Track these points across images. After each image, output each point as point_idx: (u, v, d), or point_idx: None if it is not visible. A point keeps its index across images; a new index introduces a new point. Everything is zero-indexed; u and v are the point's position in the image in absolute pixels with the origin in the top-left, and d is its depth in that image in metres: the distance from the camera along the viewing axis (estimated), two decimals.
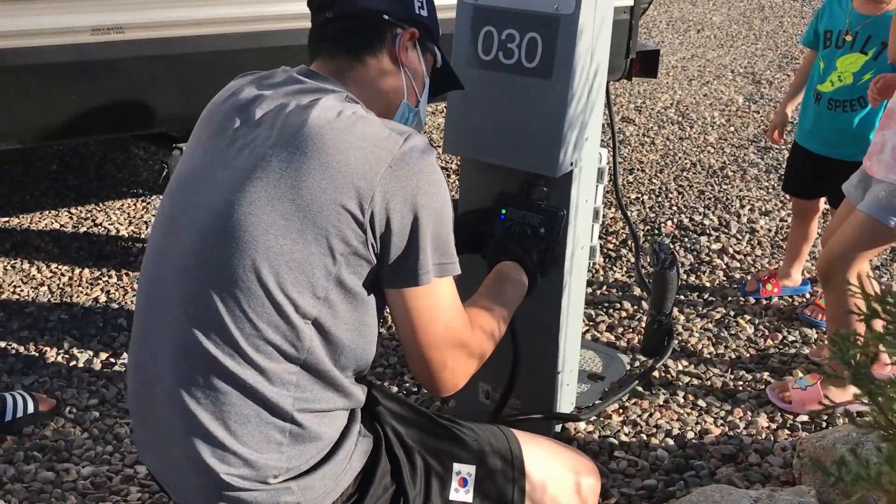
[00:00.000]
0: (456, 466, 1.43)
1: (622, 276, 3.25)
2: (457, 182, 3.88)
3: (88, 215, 3.80)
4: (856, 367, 0.86)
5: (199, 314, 1.24)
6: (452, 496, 1.41)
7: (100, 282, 3.20)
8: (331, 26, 1.43)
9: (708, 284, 3.19)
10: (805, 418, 2.37)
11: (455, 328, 1.34)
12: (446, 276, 1.32)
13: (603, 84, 1.96)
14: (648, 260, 3.03)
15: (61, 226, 3.69)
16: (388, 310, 1.35)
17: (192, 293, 1.25)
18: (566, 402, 2.24)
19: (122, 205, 3.92)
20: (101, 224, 3.71)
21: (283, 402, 1.24)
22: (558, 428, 2.27)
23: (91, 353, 2.74)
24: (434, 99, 1.70)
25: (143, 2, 2.49)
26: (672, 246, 3.49)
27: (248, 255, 1.22)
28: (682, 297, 3.07)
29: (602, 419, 2.35)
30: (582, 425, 2.31)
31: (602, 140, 2.08)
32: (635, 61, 3.44)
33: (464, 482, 1.42)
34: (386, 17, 1.43)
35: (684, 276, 3.24)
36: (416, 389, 2.51)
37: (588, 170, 2.01)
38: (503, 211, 1.97)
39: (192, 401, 1.24)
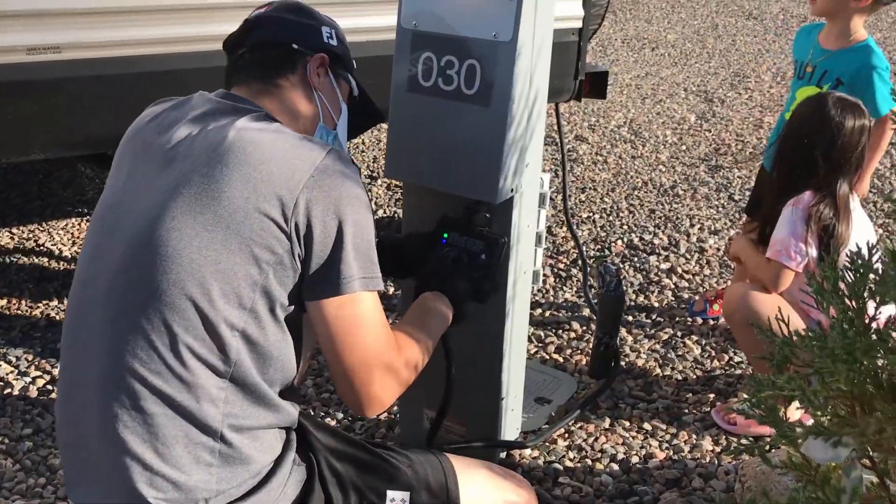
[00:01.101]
0: (390, 493, 1.43)
1: (572, 296, 3.25)
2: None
3: (30, 235, 3.71)
4: (768, 412, 0.85)
5: (125, 333, 1.23)
6: None
7: (40, 304, 3.12)
8: (243, 59, 1.48)
9: (656, 304, 3.20)
10: (748, 440, 2.38)
11: (380, 345, 1.33)
12: (370, 291, 1.32)
13: (543, 110, 1.96)
14: (595, 282, 3.04)
15: (2, 246, 3.59)
16: None
17: (118, 313, 1.24)
18: (511, 427, 2.22)
19: (67, 224, 3.83)
20: (43, 244, 3.63)
21: (212, 419, 1.23)
22: (503, 454, 2.26)
23: (27, 379, 2.66)
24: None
25: (80, 21, 2.44)
26: (621, 266, 3.51)
27: (173, 269, 1.22)
28: (630, 318, 3.08)
29: (547, 444, 2.34)
30: (527, 451, 2.30)
31: (553, 160, 2.08)
32: (584, 82, 3.45)
33: None
34: (295, 46, 1.49)
35: (633, 296, 3.25)
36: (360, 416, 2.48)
37: (529, 195, 2.00)
38: (445, 235, 1.96)
39: (119, 424, 1.22)
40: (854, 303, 0.87)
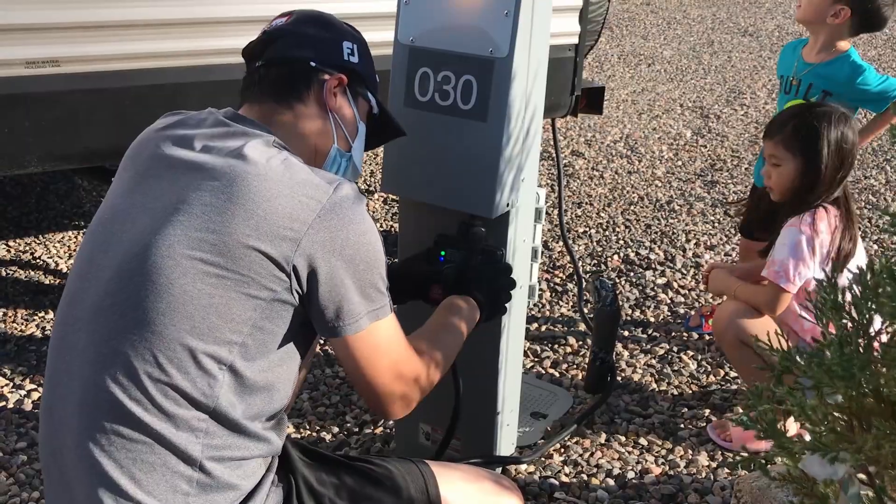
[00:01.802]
0: None
1: (568, 310, 3.25)
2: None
3: (27, 248, 3.71)
4: (767, 424, 0.85)
5: (108, 357, 1.21)
6: None
7: (35, 318, 3.11)
8: (259, 74, 1.44)
9: (652, 319, 3.20)
10: (744, 455, 2.38)
11: (400, 362, 1.37)
12: (382, 319, 1.32)
13: (539, 125, 1.97)
14: (590, 297, 3.05)
15: None
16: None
17: (103, 335, 1.22)
18: (507, 442, 2.22)
19: (63, 237, 3.83)
20: (39, 257, 3.62)
21: (192, 449, 1.21)
22: (499, 470, 2.25)
23: (23, 392, 2.65)
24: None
25: (79, 35, 2.45)
26: (617, 281, 3.51)
27: (164, 298, 1.19)
28: (626, 333, 3.08)
29: (543, 459, 2.33)
30: (523, 466, 2.29)
31: (549, 175, 2.09)
32: (581, 98, 3.47)
33: None
34: (313, 63, 1.44)
35: (629, 311, 3.26)
36: (356, 430, 2.47)
37: (525, 210, 2.01)
38: (442, 253, 1.96)
39: (96, 447, 1.20)
40: (857, 317, 0.87)
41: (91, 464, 1.20)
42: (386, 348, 1.34)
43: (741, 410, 2.57)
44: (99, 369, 1.20)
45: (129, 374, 1.19)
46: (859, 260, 2.33)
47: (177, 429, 1.20)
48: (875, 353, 0.86)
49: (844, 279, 1.00)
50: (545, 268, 3.62)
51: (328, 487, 1.41)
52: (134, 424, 1.19)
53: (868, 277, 0.86)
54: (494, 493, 1.55)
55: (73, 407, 1.23)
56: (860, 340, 0.85)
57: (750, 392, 0.88)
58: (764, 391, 0.89)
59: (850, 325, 0.87)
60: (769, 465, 1.10)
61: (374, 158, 4.96)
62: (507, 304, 1.85)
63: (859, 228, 2.45)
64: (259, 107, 1.42)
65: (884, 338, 0.90)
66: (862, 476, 0.86)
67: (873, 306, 0.85)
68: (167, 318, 1.19)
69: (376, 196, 4.43)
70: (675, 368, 2.85)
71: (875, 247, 3.96)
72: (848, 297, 0.87)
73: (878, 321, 0.94)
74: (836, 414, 0.85)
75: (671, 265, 3.68)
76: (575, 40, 3.34)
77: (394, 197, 4.34)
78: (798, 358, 0.86)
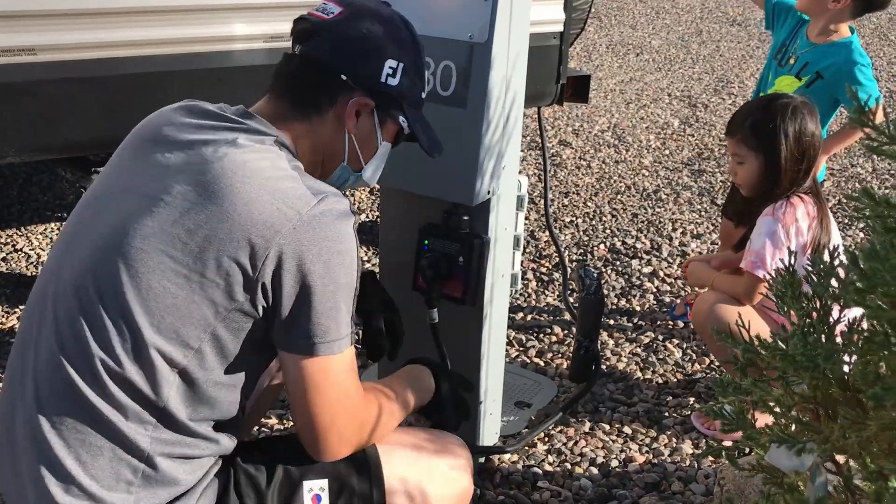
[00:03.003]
0: (307, 484, 1.37)
1: (554, 300, 3.24)
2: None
3: (9, 240, 3.67)
4: (732, 416, 0.84)
5: (71, 337, 1.20)
6: None
7: (17, 310, 3.08)
8: (291, 67, 1.39)
9: (638, 308, 3.20)
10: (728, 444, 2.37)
11: (348, 399, 1.31)
12: (335, 354, 1.27)
13: (520, 112, 1.95)
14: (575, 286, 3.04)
15: None
16: None
17: (70, 315, 1.21)
18: (490, 431, 2.21)
19: (45, 229, 3.80)
20: (21, 249, 3.59)
21: (140, 441, 1.20)
22: (482, 459, 2.24)
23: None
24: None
25: (55, 23, 2.42)
26: (603, 270, 3.50)
27: (131, 289, 1.19)
28: (611, 322, 3.07)
29: (527, 448, 2.32)
30: (507, 455, 2.28)
31: (536, 164, 2.08)
32: (566, 86, 3.45)
33: (317, 498, 1.37)
34: (343, 77, 1.36)
35: (615, 300, 3.25)
36: None
37: (507, 198, 1.99)
38: (426, 242, 1.96)
39: (46, 423, 1.19)
40: (818, 306, 0.86)
41: (39, 439, 1.19)
42: (336, 380, 1.28)
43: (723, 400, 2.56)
44: (61, 347, 1.20)
45: (86, 357, 1.18)
46: (836, 237, 2.34)
47: (126, 419, 1.19)
48: (837, 342, 0.85)
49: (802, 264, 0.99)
50: (531, 257, 3.60)
51: (266, 465, 1.38)
52: (86, 408, 1.18)
53: (823, 266, 0.85)
54: (438, 458, 1.49)
55: (30, 380, 1.22)
56: (823, 329, 0.84)
57: (715, 383, 0.87)
58: (729, 383, 0.88)
59: (813, 313, 0.86)
60: (751, 453, 1.10)
61: None
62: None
63: (835, 218, 2.44)
64: (276, 104, 1.37)
65: (842, 326, 0.89)
66: (829, 465, 0.85)
67: (833, 293, 0.84)
68: (131, 309, 1.18)
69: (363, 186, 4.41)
70: (661, 357, 2.84)
71: (861, 235, 3.96)
72: (806, 287, 0.86)
73: (836, 310, 0.93)
74: (802, 404, 0.84)
75: (657, 254, 3.67)
76: (559, 28, 3.32)
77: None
78: (762, 349, 0.85)
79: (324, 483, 1.38)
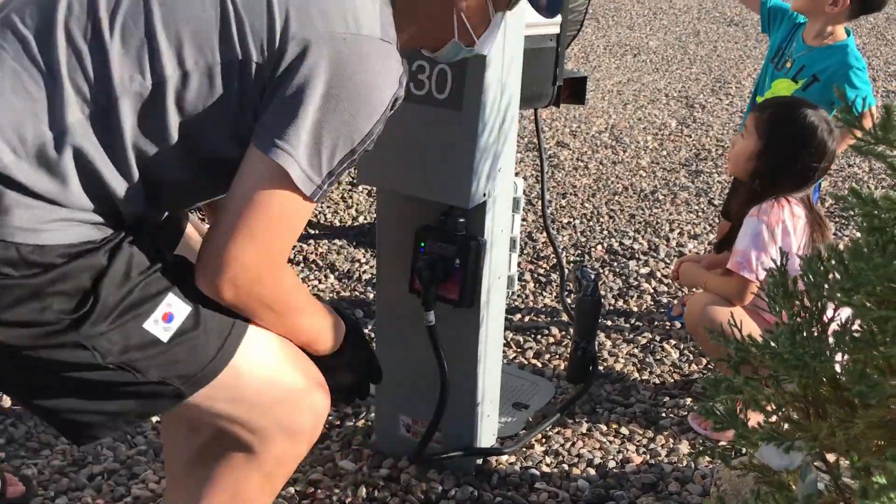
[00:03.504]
0: (170, 297, 1.24)
1: (552, 301, 3.25)
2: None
3: None
4: (723, 415, 0.85)
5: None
6: (148, 325, 1.22)
7: None
8: None
9: (635, 309, 3.21)
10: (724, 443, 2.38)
11: (279, 240, 1.23)
12: (305, 195, 1.20)
13: (515, 114, 1.96)
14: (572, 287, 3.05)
15: None
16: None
17: None
18: (487, 433, 2.22)
19: None
20: None
21: (69, 116, 1.15)
22: (480, 461, 2.25)
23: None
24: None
25: None
26: (601, 271, 3.51)
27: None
28: (608, 323, 3.08)
29: (524, 449, 2.33)
30: (504, 457, 2.29)
31: (534, 166, 2.09)
32: (563, 88, 3.45)
33: (168, 318, 1.24)
34: None
35: (612, 301, 3.26)
36: (338, 423, 2.46)
37: (502, 200, 2.00)
38: (423, 244, 1.97)
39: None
40: (811, 306, 0.87)
41: None
42: (282, 208, 1.19)
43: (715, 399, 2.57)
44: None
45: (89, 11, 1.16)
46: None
47: (73, 81, 1.15)
48: (829, 340, 0.86)
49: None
50: (529, 258, 3.61)
51: (142, 259, 1.26)
52: (46, 48, 1.15)
53: (819, 264, 0.86)
54: (304, 373, 1.41)
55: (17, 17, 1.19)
56: (814, 328, 0.84)
57: (706, 381, 0.88)
58: (721, 381, 0.89)
59: (803, 312, 0.87)
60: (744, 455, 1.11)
61: None
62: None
63: (830, 219, 2.47)
64: None
65: (835, 325, 0.90)
66: (819, 463, 0.86)
67: (825, 293, 0.85)
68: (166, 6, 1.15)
69: (360, 188, 4.41)
70: (658, 357, 2.85)
71: (858, 234, 3.97)
72: (801, 285, 0.87)
73: (831, 309, 0.94)
74: (792, 402, 0.85)
75: (654, 255, 3.68)
76: (556, 30, 3.32)
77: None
78: (753, 348, 0.85)
79: (186, 310, 1.25)
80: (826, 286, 0.84)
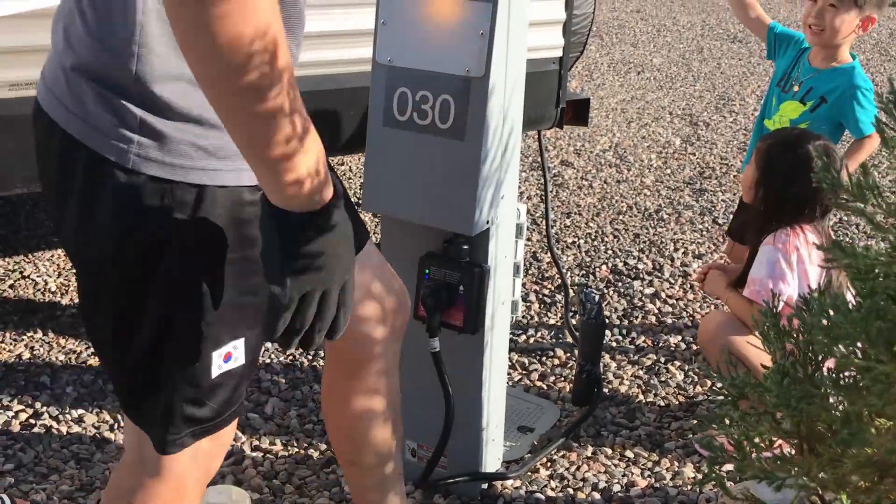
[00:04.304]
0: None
1: (557, 321, 3.26)
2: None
3: (16, 266, 3.71)
4: (721, 450, 0.86)
5: None
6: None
7: (24, 337, 3.11)
8: None
9: (640, 330, 3.21)
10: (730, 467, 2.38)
11: None
12: None
13: (517, 143, 1.98)
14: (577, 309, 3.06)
15: None
16: None
17: None
18: (492, 458, 2.23)
19: (53, 255, 3.83)
20: (28, 276, 3.63)
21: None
22: (485, 485, 2.26)
23: (10, 413, 2.65)
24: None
25: None
26: (605, 291, 3.52)
27: None
28: (613, 344, 3.09)
29: (529, 474, 2.34)
30: (509, 481, 2.30)
31: (538, 186, 2.11)
32: (566, 110, 3.48)
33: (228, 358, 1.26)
34: None
35: (616, 322, 3.27)
36: None
37: (506, 227, 2.02)
38: (427, 271, 1.99)
39: None
40: (801, 346, 0.88)
41: None
42: None
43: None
44: None
45: None
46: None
47: None
48: (825, 379, 0.87)
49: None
50: (534, 279, 3.63)
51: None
52: None
53: (813, 304, 0.87)
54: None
55: None
56: (806, 368, 0.86)
57: (699, 417, 0.90)
58: (719, 415, 0.90)
59: (796, 352, 0.89)
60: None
61: (357, 175, 4.97)
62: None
63: (834, 234, 2.49)
64: None
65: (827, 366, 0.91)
66: (814, 499, 0.87)
67: (812, 339, 0.86)
68: None
69: (364, 214, 4.44)
70: (662, 379, 2.86)
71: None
72: (796, 323, 0.88)
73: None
74: (786, 439, 0.86)
75: (659, 275, 3.69)
76: (559, 53, 3.36)
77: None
78: (745, 386, 0.87)
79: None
80: (813, 332, 0.86)
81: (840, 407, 0.80)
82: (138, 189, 1.11)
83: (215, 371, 1.21)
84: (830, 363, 0.92)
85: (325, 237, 1.00)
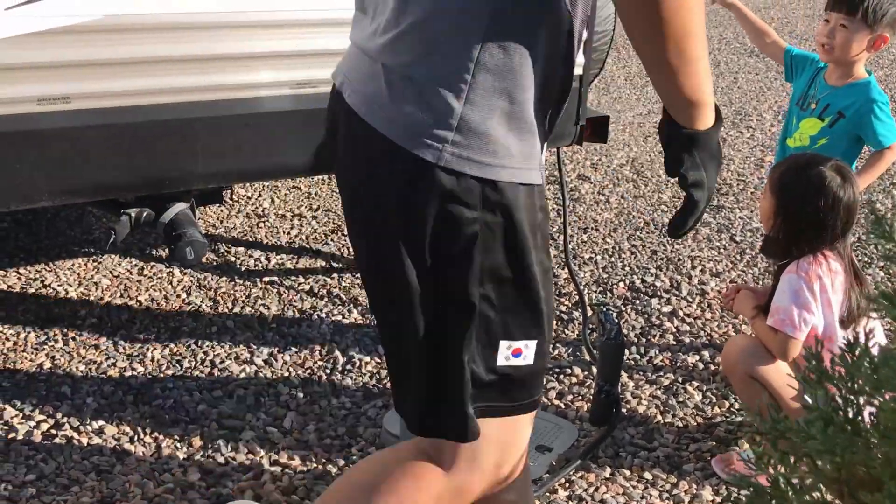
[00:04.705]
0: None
1: (574, 338, 3.26)
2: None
3: (37, 276, 3.74)
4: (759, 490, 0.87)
5: None
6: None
7: (45, 346, 3.14)
8: None
9: (658, 349, 3.21)
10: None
11: None
12: None
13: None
14: (595, 328, 3.06)
15: (8, 287, 3.62)
16: None
17: None
18: None
19: (73, 264, 3.86)
20: (49, 285, 3.66)
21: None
22: None
23: (32, 423, 2.68)
24: None
25: (88, 73, 2.49)
26: (623, 310, 3.52)
27: None
28: (630, 363, 3.09)
29: (548, 494, 2.34)
30: None
31: (555, 200, 2.11)
32: (585, 127, 3.50)
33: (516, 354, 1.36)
34: None
35: (634, 340, 3.27)
36: None
37: None
38: None
39: None
40: (845, 394, 0.88)
41: None
42: None
43: (746, 445, 2.57)
44: None
45: None
46: (879, 336, 2.35)
47: None
48: (868, 427, 0.87)
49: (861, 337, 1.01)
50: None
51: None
52: None
53: (865, 352, 0.88)
54: None
55: None
56: (847, 415, 0.86)
57: (749, 430, 0.90)
58: (757, 453, 0.91)
59: (839, 397, 0.89)
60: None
61: None
62: None
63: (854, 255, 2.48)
64: None
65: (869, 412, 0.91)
66: None
67: (855, 387, 0.87)
68: None
69: None
70: (680, 400, 2.86)
71: (881, 273, 3.96)
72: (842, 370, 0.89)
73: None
74: (828, 485, 0.87)
75: (677, 293, 3.68)
76: (579, 71, 3.37)
77: None
78: (787, 431, 0.87)
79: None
80: (858, 380, 0.86)
81: (879, 455, 0.81)
82: (454, 186, 1.23)
83: (501, 361, 1.33)
84: (869, 412, 0.92)
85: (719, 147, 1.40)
